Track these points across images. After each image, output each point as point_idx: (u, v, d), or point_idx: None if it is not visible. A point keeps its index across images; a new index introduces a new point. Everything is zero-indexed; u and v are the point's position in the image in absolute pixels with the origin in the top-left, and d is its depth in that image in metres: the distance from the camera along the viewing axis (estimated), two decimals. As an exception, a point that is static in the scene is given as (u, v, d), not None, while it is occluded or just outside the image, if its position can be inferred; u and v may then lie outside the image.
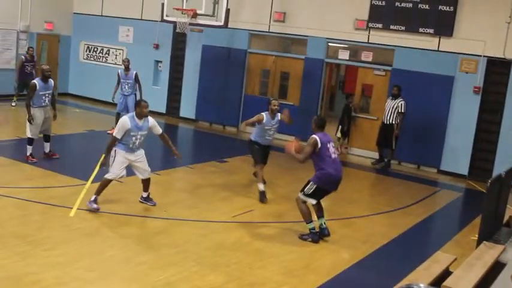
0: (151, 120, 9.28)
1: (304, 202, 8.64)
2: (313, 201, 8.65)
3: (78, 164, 12.30)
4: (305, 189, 8.60)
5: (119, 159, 9.15)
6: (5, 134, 14.29)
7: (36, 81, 11.55)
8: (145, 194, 9.73)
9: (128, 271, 7.06)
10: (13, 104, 17.80)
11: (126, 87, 14.95)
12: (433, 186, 13.70)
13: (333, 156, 8.64)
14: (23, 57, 17.53)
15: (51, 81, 11.76)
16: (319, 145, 8.47)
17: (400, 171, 14.66)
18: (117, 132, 9.02)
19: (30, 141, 11.62)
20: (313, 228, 8.75)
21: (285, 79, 17.36)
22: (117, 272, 7.02)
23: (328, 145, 8.58)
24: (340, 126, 15.90)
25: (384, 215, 10.80)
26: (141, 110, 9.02)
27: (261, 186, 10.66)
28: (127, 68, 15.03)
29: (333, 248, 8.67)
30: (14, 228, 8.09)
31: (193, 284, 6.87)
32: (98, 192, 9.14)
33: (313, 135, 8.58)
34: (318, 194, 8.61)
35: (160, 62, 19.49)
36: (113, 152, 9.16)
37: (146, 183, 9.66)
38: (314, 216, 8.86)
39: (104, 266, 7.14)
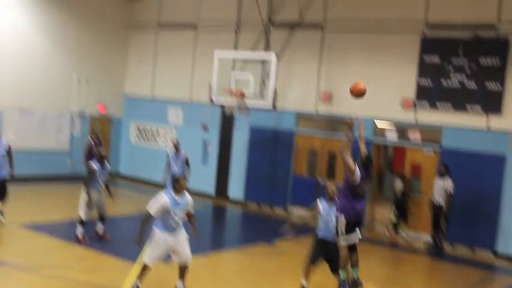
0: (188, 196, 9.03)
1: (347, 246, 8.90)
2: (356, 239, 8.95)
3: (128, 246, 12.33)
4: (341, 230, 8.86)
5: (158, 241, 8.86)
6: (58, 214, 14.59)
7: (94, 163, 11.91)
8: (180, 285, 9.13)
9: None
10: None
11: (176, 168, 15.13)
12: (488, 270, 13.22)
13: (361, 193, 8.94)
14: (90, 139, 17.05)
15: (107, 164, 12.14)
16: (358, 179, 8.68)
17: (454, 255, 14.23)
18: (152, 208, 8.66)
19: (82, 222, 11.85)
20: (344, 281, 8.95)
21: (332, 159, 17.30)
22: None
23: (363, 183, 8.82)
24: (395, 210, 15.48)
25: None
26: (179, 184, 8.81)
27: (304, 283, 9.78)
28: (177, 149, 15.25)
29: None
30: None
31: None
32: (139, 277, 8.84)
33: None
34: (351, 227, 8.87)
35: (209, 142, 19.79)
36: (152, 233, 8.91)
37: (183, 270, 9.15)
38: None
39: None
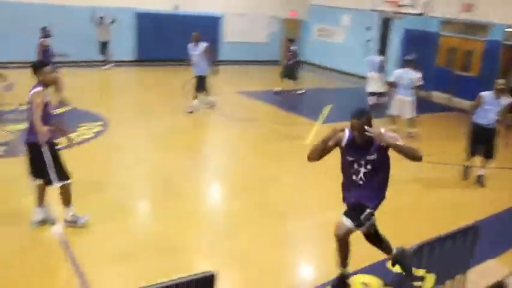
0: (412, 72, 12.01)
1: None
2: None
3: (314, 111, 14.36)
4: None
5: (396, 99, 11.90)
6: (260, 86, 17.54)
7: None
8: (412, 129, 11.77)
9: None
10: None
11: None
12: None
13: None
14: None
15: None
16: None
17: None
18: (392, 78, 11.98)
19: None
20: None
21: (468, 56, 18.93)
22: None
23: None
24: None
25: None
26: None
27: (482, 171, 9.65)
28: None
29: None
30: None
31: None
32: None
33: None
34: None
35: (370, 40, 22.48)
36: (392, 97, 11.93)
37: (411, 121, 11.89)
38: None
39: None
